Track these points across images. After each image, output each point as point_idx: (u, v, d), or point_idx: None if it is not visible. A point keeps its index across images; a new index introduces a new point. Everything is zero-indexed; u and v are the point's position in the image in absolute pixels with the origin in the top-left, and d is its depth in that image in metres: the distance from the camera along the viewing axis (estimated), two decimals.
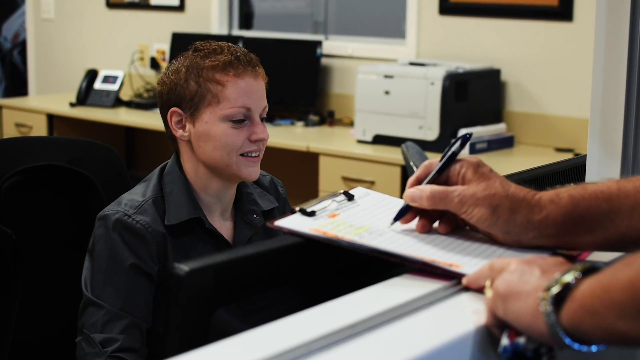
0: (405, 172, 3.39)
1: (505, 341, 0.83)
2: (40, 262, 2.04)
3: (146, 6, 5.36)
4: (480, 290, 0.90)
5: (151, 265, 1.75)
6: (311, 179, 4.11)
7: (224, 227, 1.86)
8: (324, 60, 4.62)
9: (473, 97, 3.87)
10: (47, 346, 2.07)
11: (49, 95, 5.61)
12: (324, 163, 3.94)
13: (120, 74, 5.04)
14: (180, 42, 4.91)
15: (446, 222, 1.05)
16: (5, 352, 1.86)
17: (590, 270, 0.81)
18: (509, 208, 0.99)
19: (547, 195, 0.99)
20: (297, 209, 1.05)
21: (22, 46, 6.06)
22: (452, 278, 0.94)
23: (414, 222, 1.05)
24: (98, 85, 5.01)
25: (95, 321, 1.72)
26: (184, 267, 0.85)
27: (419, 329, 0.82)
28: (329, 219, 1.03)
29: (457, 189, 1.01)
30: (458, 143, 1.06)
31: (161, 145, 4.97)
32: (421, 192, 1.03)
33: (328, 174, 3.92)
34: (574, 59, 3.86)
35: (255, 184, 1.92)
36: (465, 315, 0.86)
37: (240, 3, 5.13)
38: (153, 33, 5.31)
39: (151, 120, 4.61)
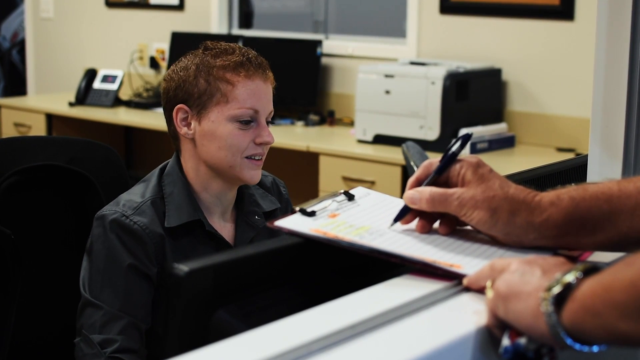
0: (406, 172, 3.39)
1: (506, 342, 0.83)
2: (39, 262, 2.04)
3: (146, 5, 5.36)
4: (481, 290, 0.90)
5: (149, 266, 1.74)
6: (311, 179, 4.11)
7: (225, 228, 1.85)
8: (324, 60, 4.62)
9: (474, 96, 3.87)
10: (46, 346, 2.07)
11: (47, 95, 5.61)
12: (324, 163, 3.94)
13: (119, 73, 5.04)
14: (180, 42, 4.91)
15: (446, 223, 1.04)
16: (4, 353, 1.86)
17: (592, 270, 0.81)
18: (509, 210, 0.98)
19: (547, 196, 0.99)
20: (297, 209, 1.04)
21: (20, 45, 6.05)
22: (452, 278, 0.93)
23: (415, 223, 1.05)
24: (97, 84, 5.00)
25: (93, 322, 1.71)
26: (183, 268, 0.85)
27: (419, 330, 0.82)
28: (329, 219, 1.03)
29: (456, 192, 1.01)
30: (458, 143, 1.06)
31: (161, 145, 4.98)
32: (420, 195, 1.02)
33: (328, 174, 3.92)
34: (575, 58, 3.86)
35: (257, 185, 1.92)
36: (466, 315, 0.86)
37: (240, 2, 5.13)
38: (152, 32, 5.31)
39: (150, 120, 4.61)
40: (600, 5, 1.25)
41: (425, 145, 3.48)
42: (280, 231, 1.00)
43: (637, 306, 0.75)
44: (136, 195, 1.80)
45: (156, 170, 1.85)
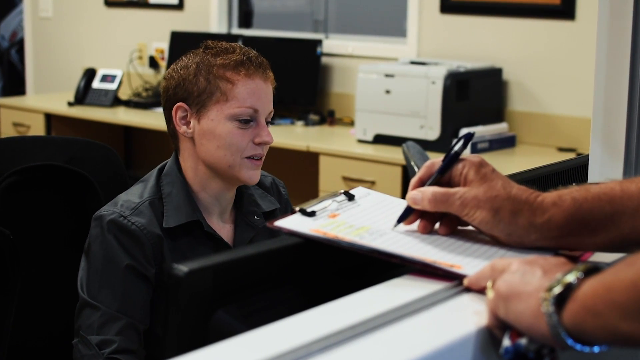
0: (406, 172, 3.39)
1: (506, 342, 0.83)
2: (38, 262, 2.04)
3: (145, 4, 5.36)
4: (481, 291, 0.90)
5: (147, 267, 1.74)
6: (311, 179, 4.11)
7: (224, 229, 1.85)
8: (324, 59, 4.62)
9: (474, 96, 3.86)
10: (45, 347, 2.07)
11: (46, 95, 5.61)
12: (324, 163, 3.93)
13: (118, 73, 5.04)
14: (180, 41, 4.90)
15: (447, 223, 1.04)
16: (3, 353, 1.86)
17: (592, 270, 0.80)
18: (511, 210, 0.98)
19: (549, 197, 0.99)
20: (297, 209, 1.04)
21: (19, 45, 6.05)
22: (453, 279, 0.93)
23: (416, 223, 1.05)
24: (96, 84, 5.00)
25: (91, 323, 1.71)
26: (183, 268, 0.84)
27: (420, 330, 0.82)
28: (329, 219, 1.03)
29: (458, 192, 1.01)
30: (460, 142, 1.05)
31: (160, 145, 4.98)
32: (423, 195, 1.02)
33: (328, 174, 3.91)
34: (576, 58, 3.86)
35: (256, 185, 1.91)
36: (466, 316, 0.86)
37: (240, 1, 5.13)
38: (152, 32, 5.31)
39: (150, 119, 4.61)
40: (601, 4, 1.25)
41: (426, 145, 3.48)
42: (280, 231, 1.00)
43: (638, 306, 0.74)
44: (134, 195, 1.79)
45: (155, 171, 1.85)
